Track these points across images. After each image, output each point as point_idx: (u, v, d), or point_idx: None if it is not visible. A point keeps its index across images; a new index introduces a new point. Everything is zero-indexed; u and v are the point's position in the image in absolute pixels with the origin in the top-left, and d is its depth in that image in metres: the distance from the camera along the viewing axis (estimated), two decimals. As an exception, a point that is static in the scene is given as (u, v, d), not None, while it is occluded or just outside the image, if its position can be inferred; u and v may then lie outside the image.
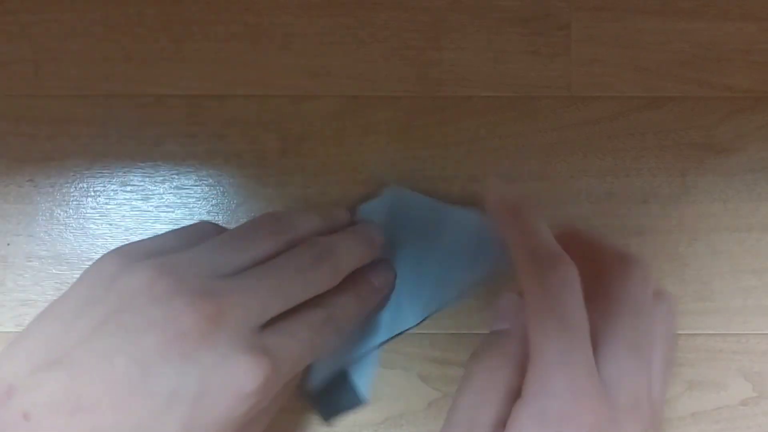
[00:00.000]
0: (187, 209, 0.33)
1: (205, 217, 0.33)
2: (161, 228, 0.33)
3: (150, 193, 0.33)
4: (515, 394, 0.25)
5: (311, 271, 0.26)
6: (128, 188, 0.33)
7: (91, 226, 0.33)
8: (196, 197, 0.33)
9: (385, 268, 0.31)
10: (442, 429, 0.26)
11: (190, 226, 0.27)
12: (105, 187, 0.33)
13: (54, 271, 0.32)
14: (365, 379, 0.31)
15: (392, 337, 0.32)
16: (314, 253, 0.26)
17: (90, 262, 0.32)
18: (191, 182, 0.33)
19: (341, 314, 0.27)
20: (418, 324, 0.32)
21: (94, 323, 0.22)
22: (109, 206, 0.33)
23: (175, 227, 0.32)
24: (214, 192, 0.33)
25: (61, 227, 0.33)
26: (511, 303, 0.28)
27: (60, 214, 0.33)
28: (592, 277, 0.25)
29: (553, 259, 0.24)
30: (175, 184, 0.33)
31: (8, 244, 0.33)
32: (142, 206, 0.33)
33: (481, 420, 0.25)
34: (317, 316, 0.26)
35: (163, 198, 0.33)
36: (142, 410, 0.21)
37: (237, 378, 0.22)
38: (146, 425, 0.21)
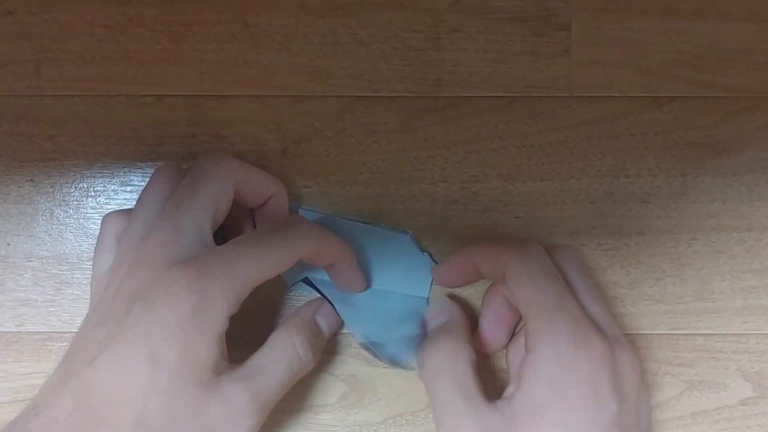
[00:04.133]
0: (187, 209, 0.33)
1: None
2: (161, 228, 0.33)
3: (150, 193, 0.33)
4: (475, 365, 0.28)
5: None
6: (128, 188, 0.33)
7: (91, 226, 0.33)
8: (197, 197, 0.33)
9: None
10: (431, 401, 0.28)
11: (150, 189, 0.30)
12: (105, 187, 0.33)
13: (54, 271, 0.32)
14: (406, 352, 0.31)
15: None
16: None
17: (90, 262, 0.32)
18: (191, 182, 0.33)
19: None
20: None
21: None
22: (109, 206, 0.33)
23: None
24: (215, 192, 0.33)
25: (61, 227, 0.33)
26: (443, 302, 0.32)
27: (60, 214, 0.33)
28: None
29: (522, 241, 0.29)
30: (175, 184, 0.33)
31: (8, 244, 0.33)
32: (142, 206, 0.33)
33: (465, 381, 0.27)
34: (255, 233, 0.28)
35: (163, 198, 0.33)
36: (111, 355, 0.25)
37: (164, 285, 0.25)
38: (117, 363, 0.25)
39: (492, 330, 0.31)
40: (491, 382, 0.32)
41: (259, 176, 0.30)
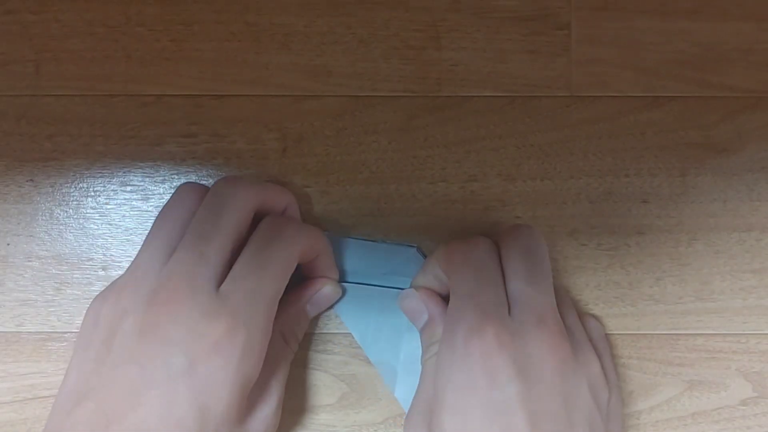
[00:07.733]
0: (187, 209, 0.33)
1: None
2: (161, 228, 0.33)
3: (150, 193, 0.33)
4: None
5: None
6: (128, 188, 0.33)
7: (91, 226, 0.33)
8: (196, 197, 0.33)
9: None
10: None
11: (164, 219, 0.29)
12: (105, 187, 0.33)
13: (54, 271, 0.32)
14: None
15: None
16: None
17: (90, 262, 0.32)
18: (191, 182, 0.33)
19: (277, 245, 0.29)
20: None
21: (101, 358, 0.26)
22: (109, 206, 0.33)
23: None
24: (214, 192, 0.33)
25: (61, 227, 0.33)
26: (414, 298, 0.31)
27: (60, 214, 0.33)
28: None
29: (466, 238, 0.30)
30: (175, 184, 0.33)
31: (8, 244, 0.33)
32: (142, 206, 0.33)
33: None
34: (255, 249, 0.28)
35: (163, 198, 0.33)
36: (157, 399, 0.25)
37: (207, 338, 0.25)
38: (163, 407, 0.25)
39: None
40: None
41: (273, 194, 0.30)
